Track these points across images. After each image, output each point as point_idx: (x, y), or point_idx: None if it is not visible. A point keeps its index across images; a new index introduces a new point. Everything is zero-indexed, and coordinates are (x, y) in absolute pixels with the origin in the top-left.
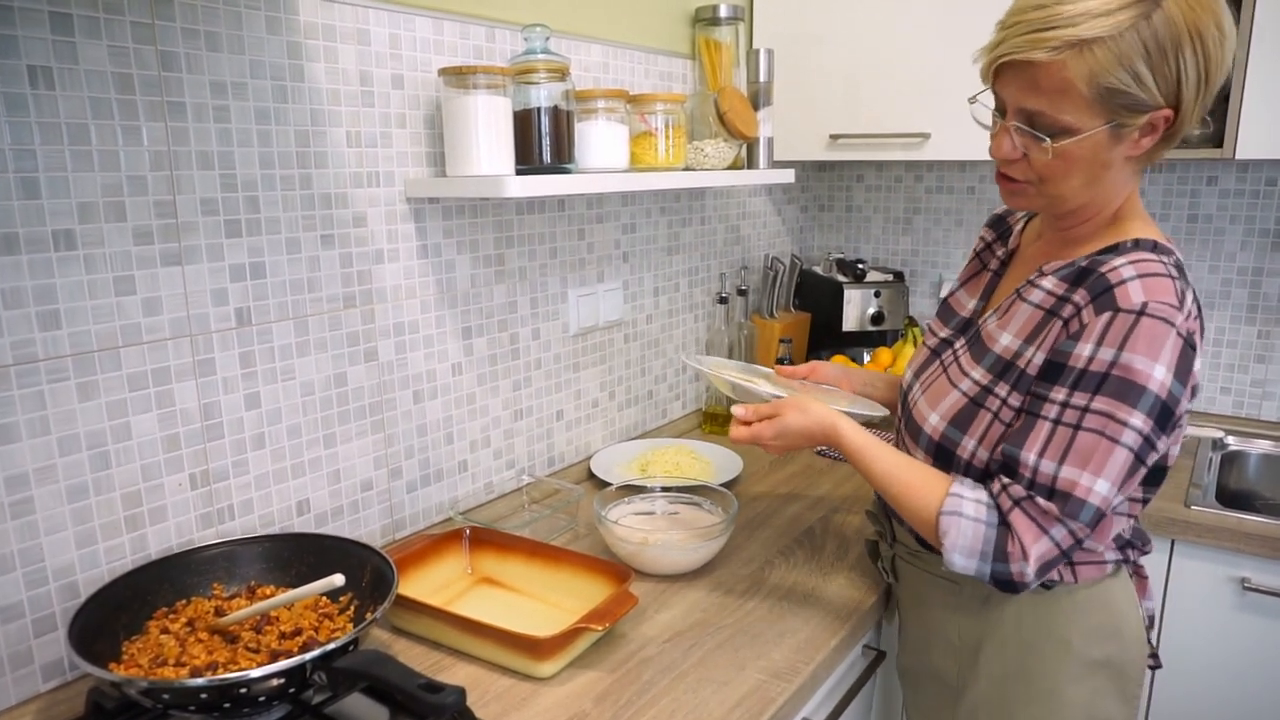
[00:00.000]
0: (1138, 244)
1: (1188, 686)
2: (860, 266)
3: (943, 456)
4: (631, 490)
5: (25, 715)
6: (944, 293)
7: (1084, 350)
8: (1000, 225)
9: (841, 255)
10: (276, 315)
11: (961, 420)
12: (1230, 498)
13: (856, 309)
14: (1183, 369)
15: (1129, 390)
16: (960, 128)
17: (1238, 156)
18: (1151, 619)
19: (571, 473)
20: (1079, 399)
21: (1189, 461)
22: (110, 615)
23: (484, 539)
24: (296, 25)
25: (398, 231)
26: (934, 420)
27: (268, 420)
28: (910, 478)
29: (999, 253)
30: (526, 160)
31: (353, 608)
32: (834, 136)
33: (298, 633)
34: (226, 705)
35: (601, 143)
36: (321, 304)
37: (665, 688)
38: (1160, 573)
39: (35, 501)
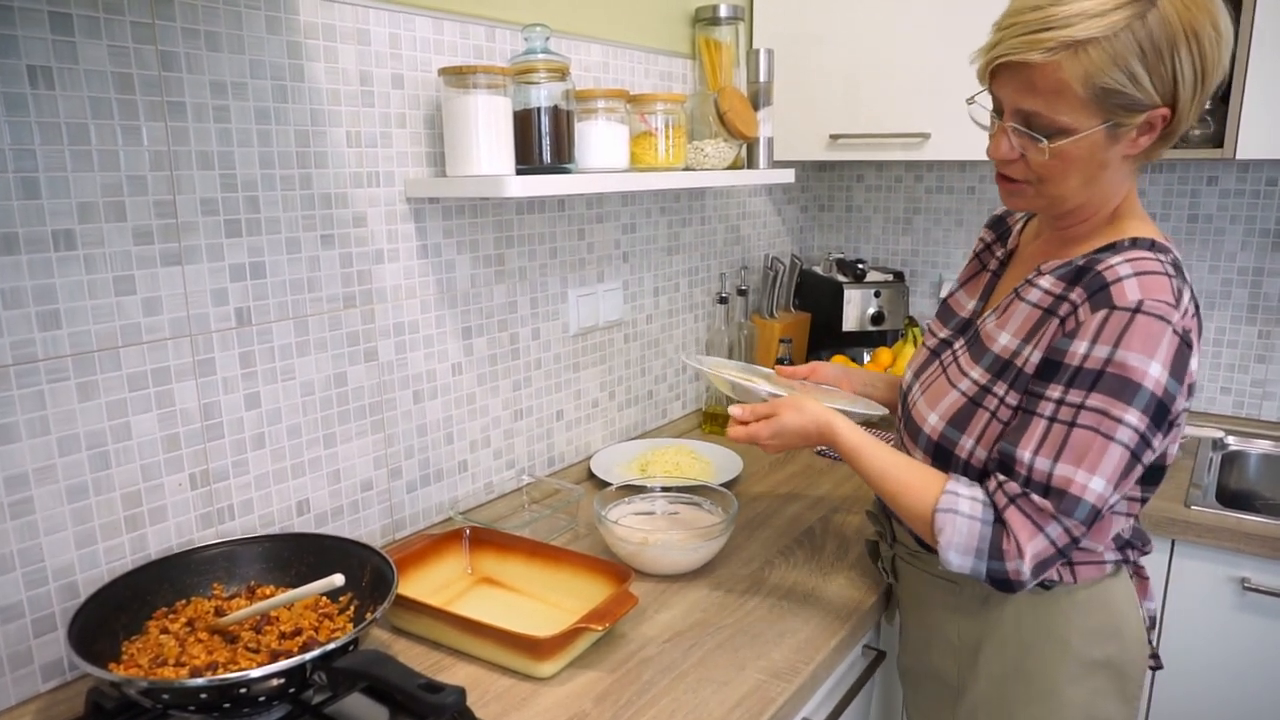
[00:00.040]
0: (1135, 242)
1: (1188, 687)
2: (860, 266)
3: (941, 456)
4: (631, 490)
5: (25, 715)
6: (944, 293)
7: (1079, 348)
8: (1000, 226)
9: (841, 255)
10: (276, 315)
11: (960, 420)
12: (1230, 498)
13: (856, 309)
14: (1178, 367)
15: (1124, 387)
16: (960, 128)
17: (1238, 156)
18: (1153, 620)
19: (571, 473)
20: (1074, 396)
21: (1189, 461)
22: (110, 615)
23: (484, 539)
24: (296, 25)
25: (398, 231)
26: (933, 420)
27: (268, 420)
28: (906, 476)
29: (998, 253)
30: (526, 160)
31: (353, 608)
32: (834, 136)
33: (298, 633)
34: (226, 705)
35: (601, 143)
36: (321, 304)
37: (665, 688)
38: (1160, 573)
39: (35, 501)
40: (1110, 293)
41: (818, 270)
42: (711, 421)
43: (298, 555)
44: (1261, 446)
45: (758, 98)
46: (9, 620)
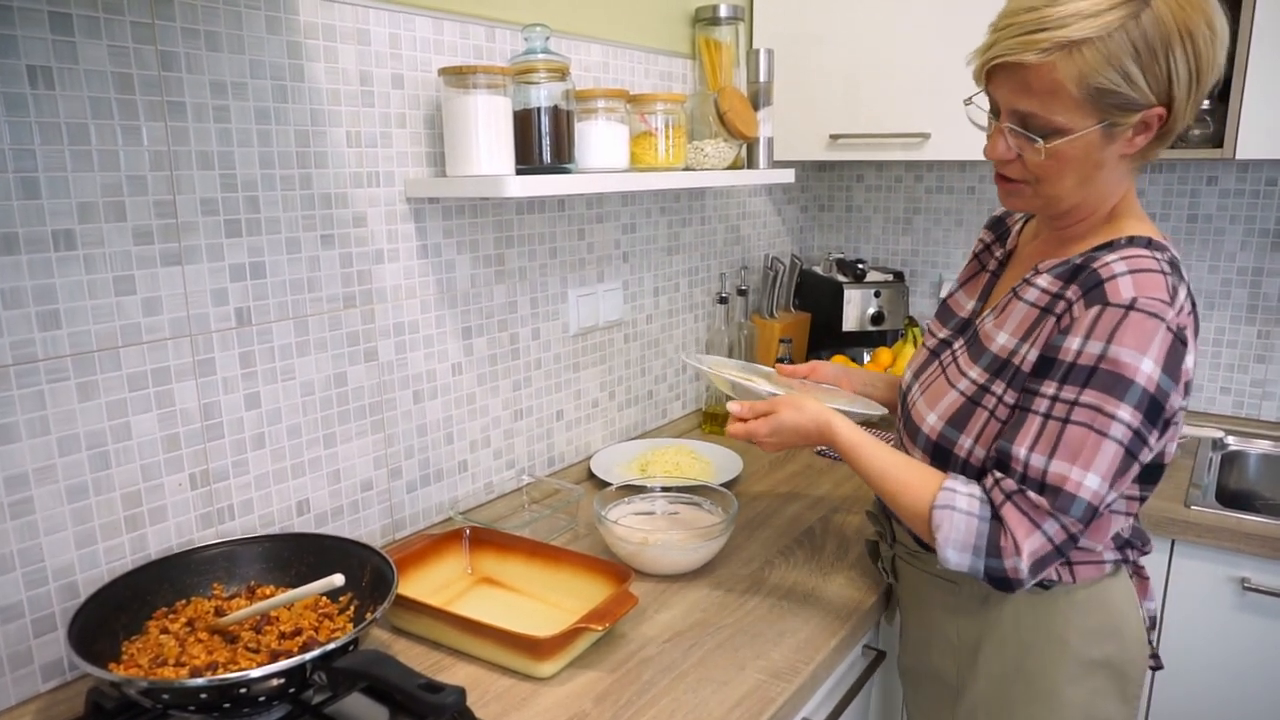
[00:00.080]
0: (1132, 241)
1: (1188, 687)
2: (860, 266)
3: (940, 456)
4: (631, 490)
5: (25, 715)
6: (943, 294)
7: (1073, 344)
8: (999, 227)
9: (841, 255)
10: (276, 315)
11: (959, 419)
12: (1230, 498)
13: (856, 309)
14: (1172, 364)
15: (1116, 383)
16: (960, 128)
17: (1238, 156)
18: (1153, 620)
19: (571, 473)
20: (1068, 393)
21: (1189, 461)
22: (110, 615)
23: (484, 539)
24: (296, 25)
25: (398, 231)
26: (932, 420)
27: (268, 420)
28: (905, 475)
29: (997, 253)
30: (526, 160)
31: (353, 608)
32: (834, 136)
33: (298, 633)
34: (226, 705)
35: (601, 143)
36: (321, 304)
37: (665, 688)
38: (1160, 573)
39: (35, 501)
40: (1105, 290)
41: (818, 270)
42: (711, 421)
43: (298, 555)
44: (1261, 446)
45: (758, 98)
46: (9, 620)
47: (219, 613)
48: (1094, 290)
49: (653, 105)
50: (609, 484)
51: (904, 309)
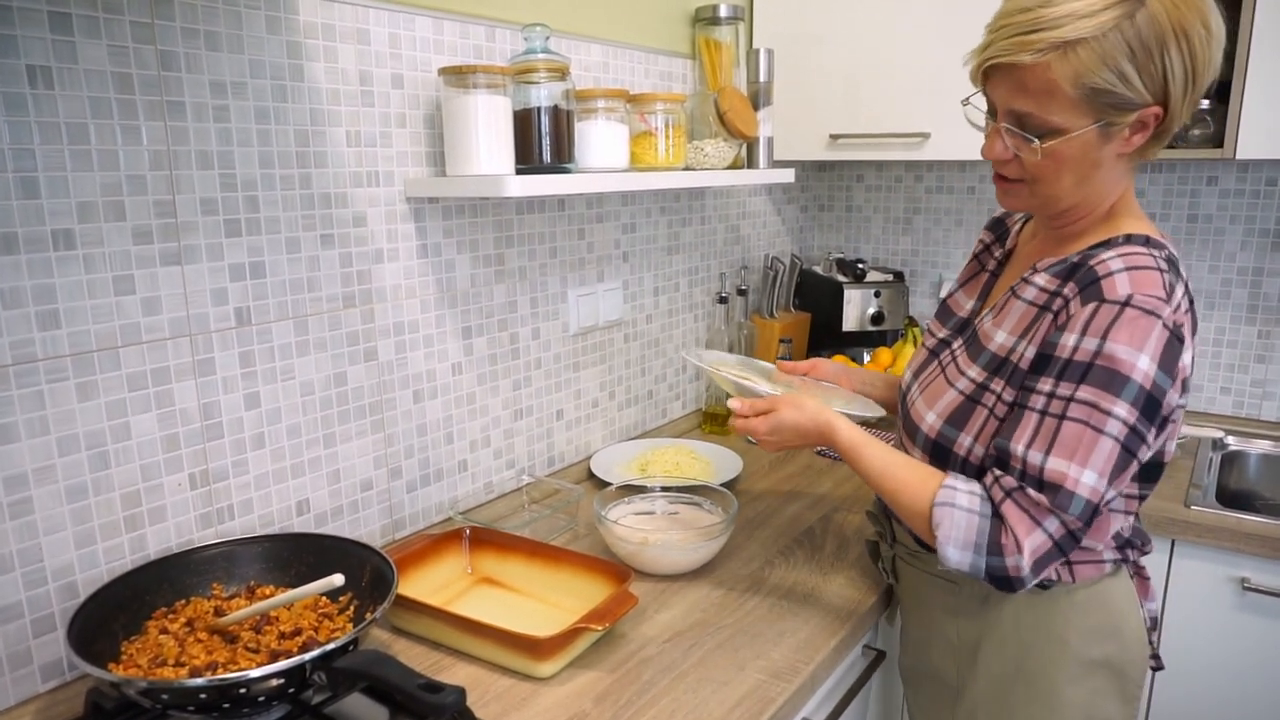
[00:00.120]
0: (1129, 238)
1: (1187, 687)
2: (860, 266)
3: (939, 455)
4: (631, 490)
5: (24, 715)
6: (943, 294)
7: (1069, 340)
8: (999, 228)
9: (841, 255)
10: (276, 315)
11: (958, 418)
12: (1230, 498)
13: (856, 309)
14: (1168, 360)
15: (1112, 380)
16: (960, 127)
17: (1238, 156)
18: (1154, 620)
19: (571, 472)
20: (1064, 389)
21: (1189, 461)
22: (109, 615)
23: (484, 539)
24: (296, 25)
25: (398, 231)
26: (931, 419)
27: (267, 420)
28: (905, 474)
29: (996, 254)
30: (526, 160)
31: (352, 608)
32: (834, 136)
33: (297, 633)
34: (226, 705)
35: (601, 142)
36: (321, 304)
37: (665, 688)
38: (1160, 573)
39: (34, 502)
40: (1101, 286)
41: (818, 270)
42: (711, 421)
43: (297, 555)
44: (1261, 446)
45: (758, 98)
46: (8, 620)
47: (218, 613)
48: (1090, 287)
49: (653, 105)
50: (609, 484)
51: (904, 309)
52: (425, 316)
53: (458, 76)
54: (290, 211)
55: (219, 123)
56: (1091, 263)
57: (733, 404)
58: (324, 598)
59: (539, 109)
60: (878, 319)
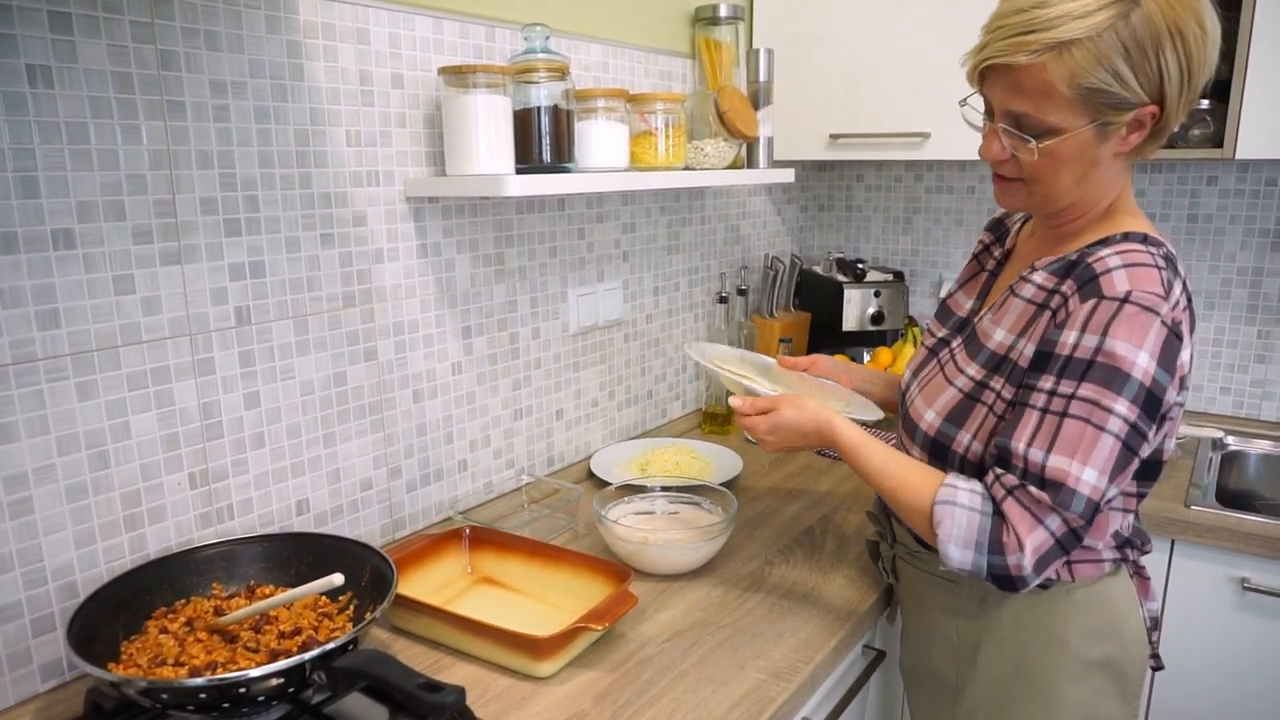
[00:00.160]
0: (1127, 236)
1: (1187, 687)
2: (860, 266)
3: (938, 452)
4: (631, 490)
5: (24, 715)
6: (943, 294)
7: (1069, 337)
8: (998, 228)
9: (841, 255)
10: (276, 314)
11: (957, 416)
12: (1230, 498)
13: (856, 309)
14: (1167, 357)
15: (1113, 377)
16: (960, 127)
17: (1238, 156)
18: (1154, 620)
19: (571, 472)
20: (1065, 387)
21: (1189, 461)
22: (109, 615)
23: (484, 538)
24: (296, 24)
25: (397, 231)
26: (930, 417)
27: (267, 419)
28: (905, 472)
29: (996, 254)
30: (526, 159)
31: (352, 607)
32: (834, 136)
33: (297, 632)
34: (225, 705)
35: (601, 142)
36: (321, 303)
37: (665, 687)
38: (1160, 573)
39: (34, 501)
40: (1099, 283)
41: (818, 270)
42: (711, 421)
43: (297, 555)
44: (1261, 446)
45: (758, 97)
46: (8, 620)
47: (218, 612)
48: (1089, 284)
49: (653, 105)
50: (609, 483)
51: (904, 309)
52: (425, 316)
53: (458, 76)
54: (290, 211)
55: (219, 122)
56: (1090, 260)
57: (734, 401)
58: (324, 597)
59: (539, 108)
60: (878, 319)
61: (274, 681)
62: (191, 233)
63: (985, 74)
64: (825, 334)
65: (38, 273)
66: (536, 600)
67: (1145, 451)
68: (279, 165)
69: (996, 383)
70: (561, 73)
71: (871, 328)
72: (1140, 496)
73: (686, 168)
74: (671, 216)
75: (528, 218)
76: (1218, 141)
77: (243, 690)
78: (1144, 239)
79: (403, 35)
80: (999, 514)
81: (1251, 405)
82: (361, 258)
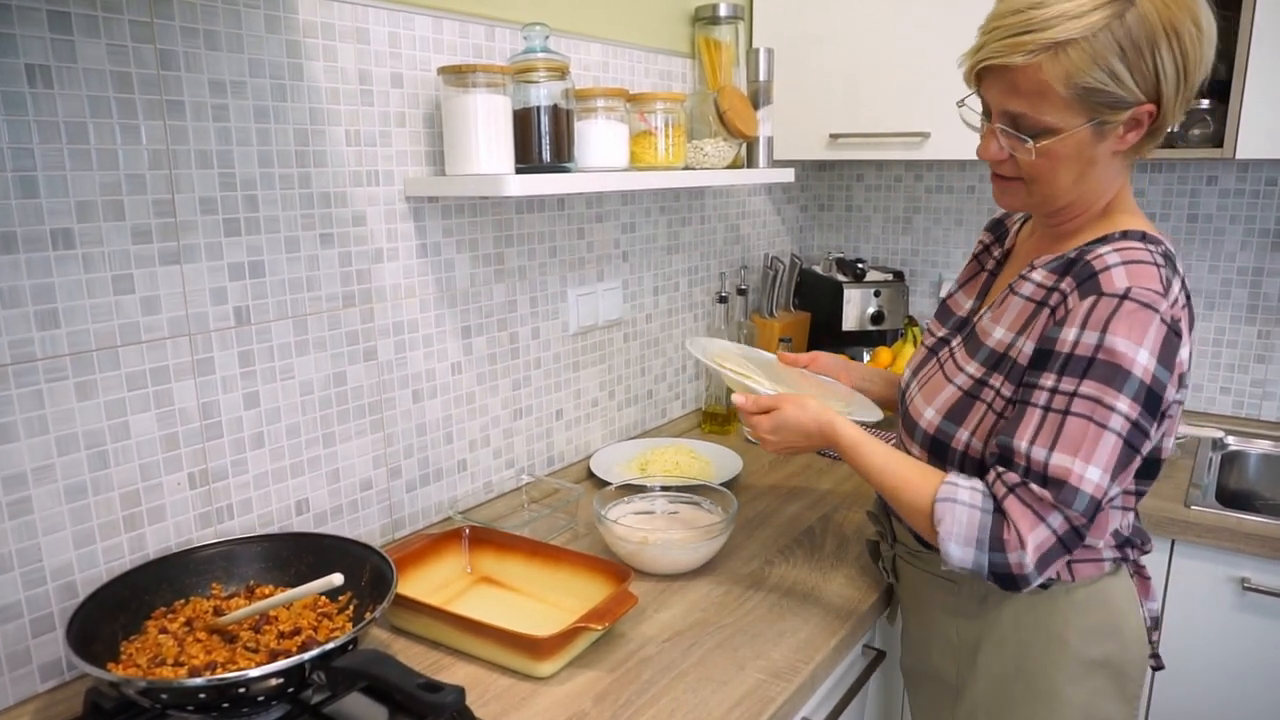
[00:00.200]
0: (1126, 234)
1: (1187, 687)
2: (860, 266)
3: (938, 450)
4: (631, 490)
5: (23, 715)
6: (943, 294)
7: (1069, 335)
8: (998, 228)
9: (841, 255)
10: (275, 314)
11: (956, 413)
12: (1230, 498)
13: (856, 308)
14: (1167, 355)
15: (1114, 374)
16: (959, 127)
17: (1238, 156)
18: (1155, 620)
19: (571, 472)
20: (1066, 384)
21: (1189, 461)
22: (108, 615)
23: (483, 538)
24: (295, 24)
25: (397, 230)
26: (929, 415)
27: (267, 419)
28: (906, 471)
29: (995, 254)
30: (526, 159)
31: (352, 607)
32: (834, 136)
33: (296, 632)
34: (225, 705)
35: (601, 142)
36: (320, 303)
37: (665, 687)
38: (1160, 573)
39: (33, 501)
40: (1098, 280)
41: (817, 270)
42: (711, 421)
43: (297, 555)
44: (1261, 446)
45: (757, 97)
46: (7, 620)
47: (218, 612)
48: (1088, 281)
49: (652, 104)
50: (608, 483)
51: (904, 308)
52: (425, 316)
53: (457, 76)
54: (290, 211)
55: (218, 122)
56: (1089, 258)
57: (737, 399)
58: (323, 597)
59: (538, 108)
60: (877, 318)
61: (273, 681)
62: (191, 232)
63: (982, 75)
64: (825, 334)
65: (37, 273)
66: (536, 600)
67: (1146, 449)
68: (278, 165)
69: (996, 380)
70: (561, 72)
71: (871, 327)
72: (1139, 495)
73: (686, 167)
74: (671, 216)
75: (527, 217)
76: (1218, 141)
77: (242, 690)
78: (1143, 237)
79: (402, 35)
80: (1000, 511)
81: (1251, 405)
82: (361, 257)
